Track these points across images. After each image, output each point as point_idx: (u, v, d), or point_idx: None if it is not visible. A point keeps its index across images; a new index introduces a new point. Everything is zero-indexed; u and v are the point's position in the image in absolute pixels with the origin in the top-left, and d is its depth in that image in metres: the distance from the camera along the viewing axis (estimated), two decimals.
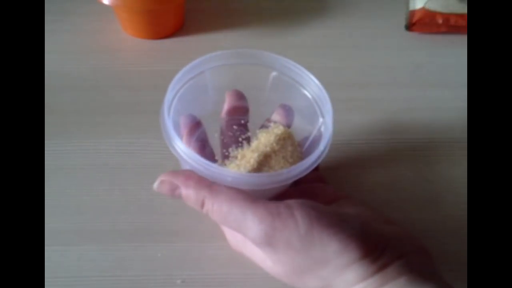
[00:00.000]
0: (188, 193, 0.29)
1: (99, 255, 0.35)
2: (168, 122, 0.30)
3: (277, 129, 0.34)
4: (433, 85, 0.48)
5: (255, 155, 0.32)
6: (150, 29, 0.51)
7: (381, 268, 0.26)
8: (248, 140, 0.35)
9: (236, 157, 0.33)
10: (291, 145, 0.34)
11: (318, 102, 0.34)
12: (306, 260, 0.27)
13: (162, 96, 0.46)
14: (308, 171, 0.30)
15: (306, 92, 0.34)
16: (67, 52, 0.50)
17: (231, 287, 0.34)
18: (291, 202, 0.28)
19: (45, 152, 0.41)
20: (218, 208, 0.28)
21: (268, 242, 0.27)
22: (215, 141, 0.36)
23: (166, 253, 0.36)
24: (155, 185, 0.30)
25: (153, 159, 0.41)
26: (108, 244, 0.36)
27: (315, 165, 0.30)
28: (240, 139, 0.35)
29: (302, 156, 0.34)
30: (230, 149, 0.34)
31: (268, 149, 0.33)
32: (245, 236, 0.28)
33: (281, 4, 0.56)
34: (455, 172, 0.40)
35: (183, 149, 0.29)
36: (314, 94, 0.34)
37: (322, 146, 0.31)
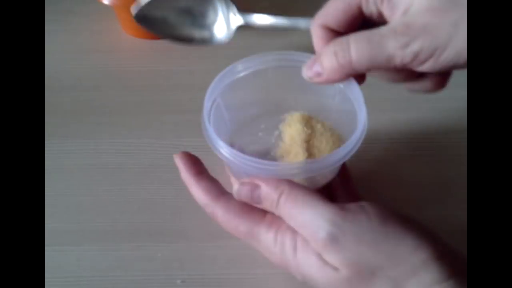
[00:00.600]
0: (267, 190, 0.28)
1: (99, 255, 0.35)
2: (210, 128, 0.30)
3: (295, 117, 0.34)
4: None
5: (298, 145, 0.32)
6: None
7: (458, 273, 0.25)
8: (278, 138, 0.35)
9: (282, 157, 0.33)
10: (317, 122, 0.34)
11: None
12: (377, 256, 0.25)
13: (162, 96, 0.47)
14: (363, 135, 0.31)
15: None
16: (67, 52, 0.50)
17: (231, 287, 0.34)
18: (360, 202, 0.27)
19: (45, 152, 0.40)
20: (291, 203, 0.27)
21: (335, 238, 0.26)
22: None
23: (166, 253, 0.36)
24: (235, 188, 0.29)
25: (153, 159, 0.41)
26: (108, 244, 0.36)
27: (365, 128, 0.31)
28: (273, 141, 0.35)
29: (332, 126, 0.34)
30: (271, 153, 0.34)
31: (303, 135, 0.33)
32: (311, 236, 0.26)
33: (280, 4, 0.56)
34: (455, 172, 0.40)
35: (228, 152, 0.29)
36: None
37: (363, 108, 0.32)
